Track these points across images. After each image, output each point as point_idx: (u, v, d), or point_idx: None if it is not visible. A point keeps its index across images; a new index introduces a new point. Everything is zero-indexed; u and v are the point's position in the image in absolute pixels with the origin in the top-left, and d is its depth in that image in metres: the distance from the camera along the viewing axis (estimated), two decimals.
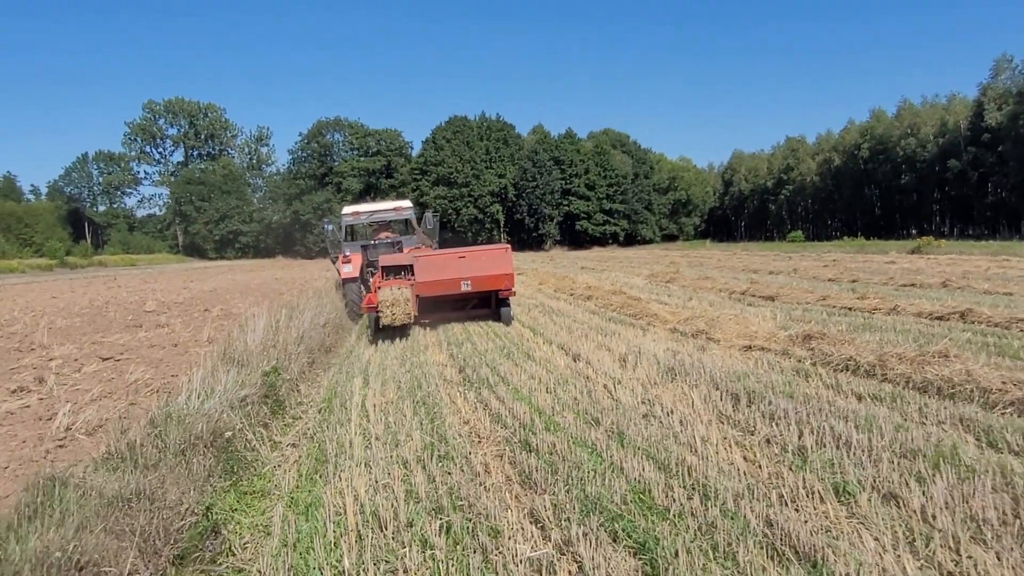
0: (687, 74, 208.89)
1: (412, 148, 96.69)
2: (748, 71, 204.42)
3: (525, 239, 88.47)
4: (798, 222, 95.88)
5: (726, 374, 6.98)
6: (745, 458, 4.82)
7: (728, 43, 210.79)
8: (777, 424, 5.40)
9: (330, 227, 18.22)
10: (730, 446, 5.00)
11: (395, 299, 11.84)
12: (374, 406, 6.63)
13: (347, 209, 18.24)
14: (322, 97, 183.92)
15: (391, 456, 5.21)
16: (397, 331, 12.70)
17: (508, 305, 13.29)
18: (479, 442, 5.60)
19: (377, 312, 11.93)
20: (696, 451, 4.92)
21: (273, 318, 8.95)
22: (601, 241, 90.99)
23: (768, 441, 5.12)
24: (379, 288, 12.23)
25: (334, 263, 16.92)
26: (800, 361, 8.06)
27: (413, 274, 12.80)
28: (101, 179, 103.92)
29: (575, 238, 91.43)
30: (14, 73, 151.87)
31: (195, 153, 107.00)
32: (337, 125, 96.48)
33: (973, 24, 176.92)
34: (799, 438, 5.01)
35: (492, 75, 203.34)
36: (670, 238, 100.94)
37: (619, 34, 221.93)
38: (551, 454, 5.05)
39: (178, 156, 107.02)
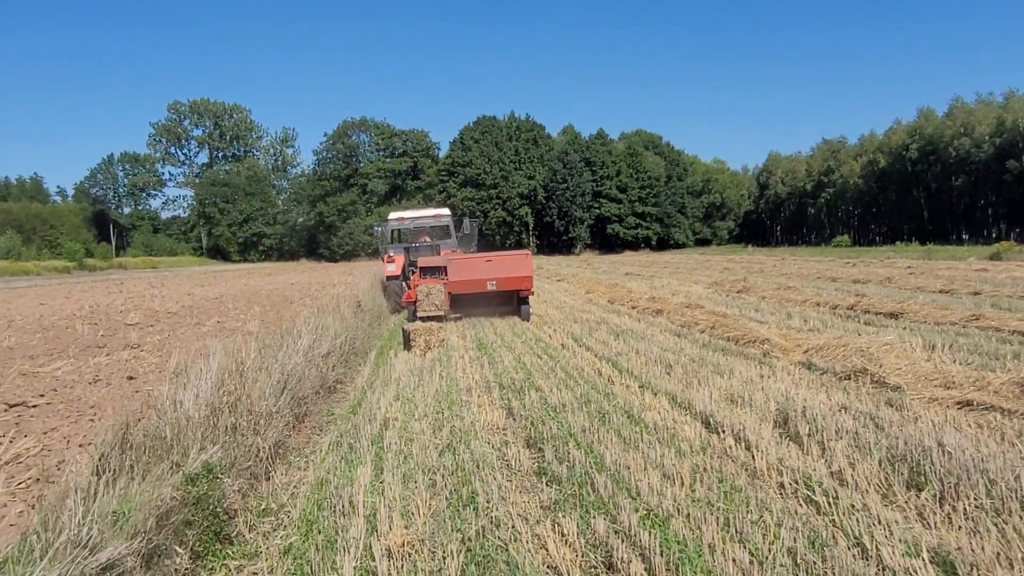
0: (721, 74, 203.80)
1: (439, 149, 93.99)
2: (783, 72, 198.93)
3: (555, 242, 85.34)
4: (838, 226, 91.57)
5: None
6: None
7: (763, 43, 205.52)
8: None
9: (379, 229, 20.30)
10: None
11: (429, 291, 14.06)
12: (388, 550, 3.50)
13: (393, 215, 20.68)
14: (348, 98, 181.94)
15: None
16: (427, 368, 9.47)
17: (527, 303, 14.81)
18: None
19: (415, 305, 14.22)
20: None
21: (239, 355, 5.85)
22: (633, 245, 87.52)
23: None
24: (417, 286, 14.41)
25: (383, 262, 18.87)
26: None
27: (447, 274, 14.42)
28: (126, 181, 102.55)
29: (605, 242, 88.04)
30: (41, 75, 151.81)
31: (220, 154, 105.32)
32: (363, 125, 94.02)
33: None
34: None
35: (521, 75, 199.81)
36: (703, 242, 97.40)
37: (651, 33, 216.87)
38: None
39: (203, 157, 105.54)
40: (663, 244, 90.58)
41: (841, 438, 4.84)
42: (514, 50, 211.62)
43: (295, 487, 4.76)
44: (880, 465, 4.35)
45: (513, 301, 15.08)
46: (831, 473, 4.34)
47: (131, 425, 4.08)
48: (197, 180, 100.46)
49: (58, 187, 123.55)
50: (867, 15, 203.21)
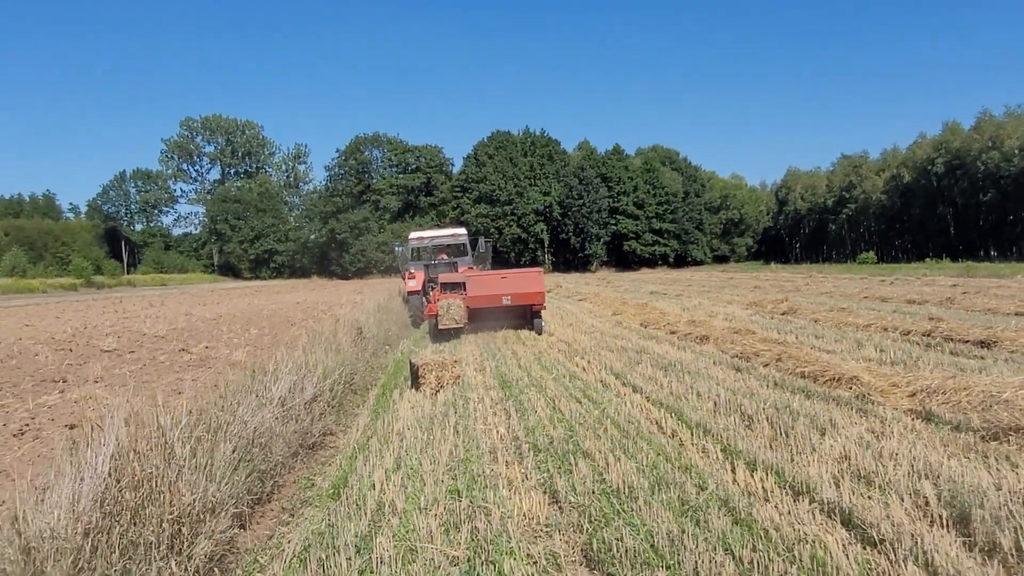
0: (739, 89, 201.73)
1: (453, 165, 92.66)
2: (802, 86, 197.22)
3: (571, 260, 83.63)
4: (860, 243, 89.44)
5: None
6: None
7: (780, 57, 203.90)
8: None
9: (400, 249, 21.64)
10: None
11: (449, 306, 14.74)
12: None
13: (413, 234, 21.75)
14: (361, 113, 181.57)
15: None
16: (438, 416, 7.65)
17: (540, 317, 15.56)
18: None
19: (436, 318, 15.04)
20: None
21: (169, 415, 4.12)
22: (650, 262, 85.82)
23: None
24: (438, 300, 15.34)
25: (403, 279, 20.44)
26: None
27: (465, 290, 15.49)
28: (138, 197, 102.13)
29: (622, 259, 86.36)
30: (55, 92, 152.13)
31: (232, 171, 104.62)
32: (375, 141, 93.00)
33: None
34: None
35: (536, 90, 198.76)
36: (721, 259, 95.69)
37: (668, 48, 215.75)
38: None
39: (215, 174, 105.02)
40: (680, 261, 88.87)
41: None
42: (529, 65, 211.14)
43: None
44: None
45: (527, 315, 15.94)
46: None
47: None
48: (209, 196, 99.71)
49: (71, 204, 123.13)
50: (887, 28, 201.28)
